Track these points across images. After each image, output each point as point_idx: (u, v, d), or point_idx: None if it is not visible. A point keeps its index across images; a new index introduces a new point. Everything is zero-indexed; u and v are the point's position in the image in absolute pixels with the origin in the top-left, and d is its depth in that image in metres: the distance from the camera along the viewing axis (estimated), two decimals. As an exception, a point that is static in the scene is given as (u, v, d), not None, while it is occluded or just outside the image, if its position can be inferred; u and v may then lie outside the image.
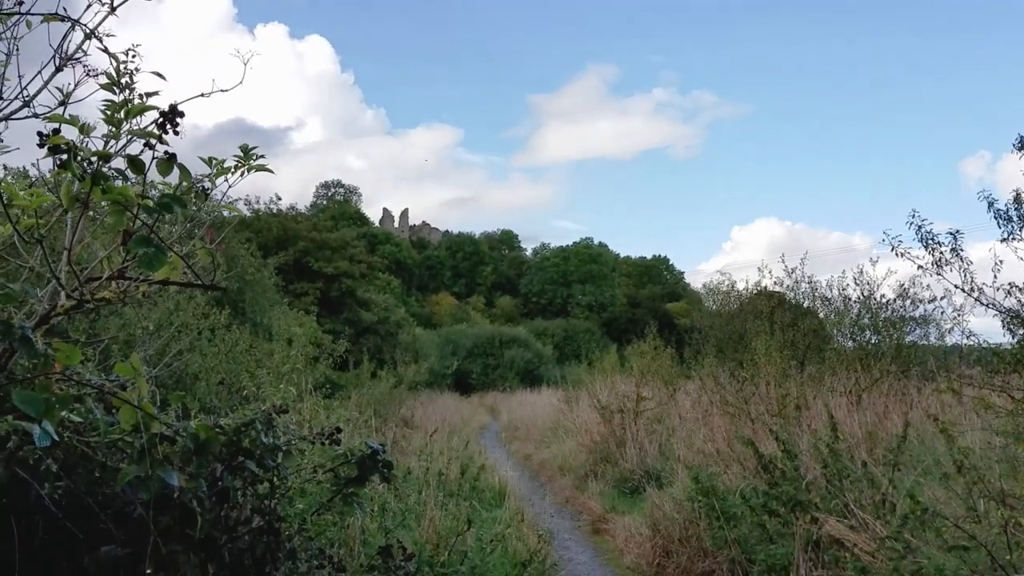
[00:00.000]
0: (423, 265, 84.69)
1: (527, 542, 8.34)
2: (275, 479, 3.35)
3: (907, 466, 7.04)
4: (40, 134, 2.19)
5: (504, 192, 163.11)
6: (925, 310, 16.69)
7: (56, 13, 2.78)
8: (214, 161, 3.00)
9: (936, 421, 6.07)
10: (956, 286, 6.70)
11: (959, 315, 13.43)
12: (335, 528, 5.62)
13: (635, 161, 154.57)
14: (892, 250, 6.91)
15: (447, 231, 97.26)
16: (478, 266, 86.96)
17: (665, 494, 9.28)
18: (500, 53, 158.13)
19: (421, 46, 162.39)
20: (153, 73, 2.84)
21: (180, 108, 2.45)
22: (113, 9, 2.89)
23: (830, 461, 6.66)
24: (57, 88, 2.87)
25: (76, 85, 2.87)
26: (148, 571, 2.60)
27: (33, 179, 2.44)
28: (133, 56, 2.86)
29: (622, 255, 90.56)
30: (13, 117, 2.93)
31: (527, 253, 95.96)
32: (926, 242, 6.73)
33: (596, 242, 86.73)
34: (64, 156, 2.19)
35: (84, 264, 2.82)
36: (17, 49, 2.96)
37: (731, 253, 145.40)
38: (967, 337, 7.78)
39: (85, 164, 2.28)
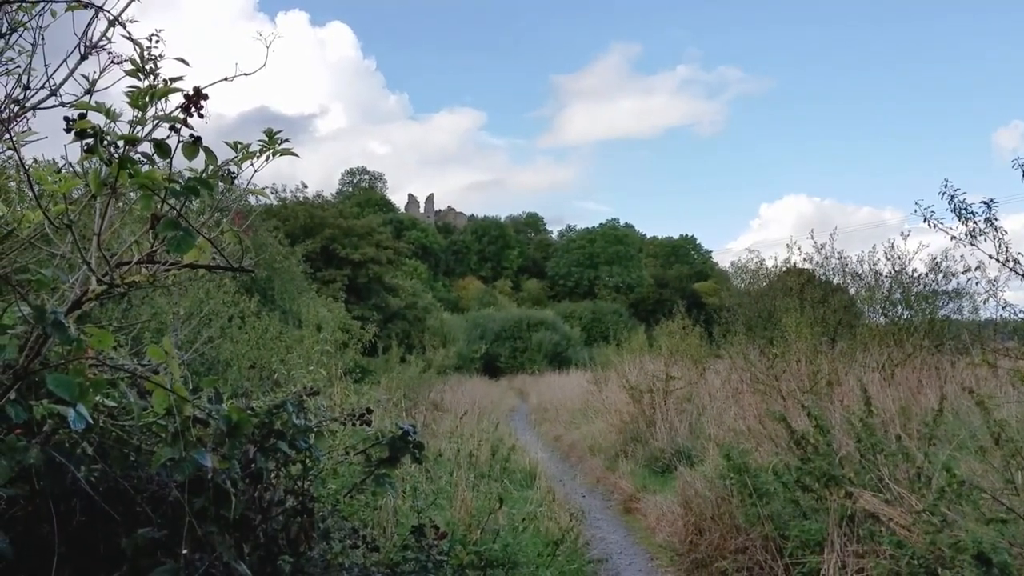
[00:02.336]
0: (449, 250, 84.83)
1: (559, 521, 8.36)
2: (307, 460, 3.38)
3: (942, 440, 6.96)
4: (67, 119, 2.21)
5: (528, 175, 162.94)
6: (958, 283, 16.47)
7: (80, 1, 2.79)
8: (239, 145, 3.01)
9: (971, 394, 5.99)
10: (991, 257, 6.58)
11: (993, 287, 13.22)
12: (368, 509, 5.66)
13: (660, 140, 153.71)
14: (924, 221, 6.80)
15: (472, 215, 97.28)
16: (504, 250, 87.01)
17: (696, 472, 9.25)
18: (522, 34, 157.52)
19: (443, 29, 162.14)
20: (177, 59, 2.85)
21: (204, 91, 2.45)
22: (135, -5, 2.89)
23: (864, 436, 6.59)
24: (83, 76, 2.89)
25: (101, 72, 2.88)
26: (184, 552, 2.62)
27: (61, 168, 2.46)
28: (157, 42, 2.87)
29: (648, 235, 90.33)
30: (40, 107, 2.95)
31: (553, 236, 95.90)
32: (959, 212, 6.61)
33: (622, 223, 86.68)
34: (91, 140, 2.20)
35: (113, 250, 2.85)
36: (43, 39, 2.98)
37: (759, 231, 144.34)
38: (1002, 308, 7.64)
39: (112, 148, 2.29)
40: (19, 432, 2.31)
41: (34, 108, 2.92)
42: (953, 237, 6.65)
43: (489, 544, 6.52)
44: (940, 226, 6.76)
